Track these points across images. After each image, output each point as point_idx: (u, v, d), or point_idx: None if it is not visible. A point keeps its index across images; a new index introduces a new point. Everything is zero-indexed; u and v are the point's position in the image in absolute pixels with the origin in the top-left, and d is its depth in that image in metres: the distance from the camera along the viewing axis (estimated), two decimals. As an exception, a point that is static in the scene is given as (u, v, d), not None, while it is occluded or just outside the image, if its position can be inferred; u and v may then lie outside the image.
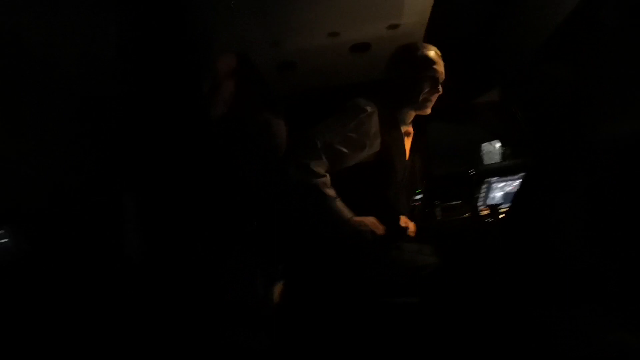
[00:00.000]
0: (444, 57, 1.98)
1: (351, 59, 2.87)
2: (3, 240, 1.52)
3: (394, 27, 2.60)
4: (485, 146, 3.42)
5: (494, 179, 2.84)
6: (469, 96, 2.82)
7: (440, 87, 1.94)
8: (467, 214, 2.38)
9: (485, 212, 2.09)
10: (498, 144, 3.33)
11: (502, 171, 2.83)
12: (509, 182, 2.77)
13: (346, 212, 1.72)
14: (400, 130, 1.97)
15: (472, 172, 2.50)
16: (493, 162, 3.32)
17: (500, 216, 1.86)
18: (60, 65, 1.59)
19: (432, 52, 1.95)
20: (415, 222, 1.98)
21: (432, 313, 1.49)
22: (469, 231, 1.76)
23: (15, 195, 1.51)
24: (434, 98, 1.95)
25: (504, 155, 3.29)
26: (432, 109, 1.99)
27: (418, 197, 3.40)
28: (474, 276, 1.38)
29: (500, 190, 2.79)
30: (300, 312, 1.34)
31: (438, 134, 3.09)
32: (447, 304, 1.46)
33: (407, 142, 2.04)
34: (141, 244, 1.42)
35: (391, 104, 1.93)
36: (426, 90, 1.91)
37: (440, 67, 1.94)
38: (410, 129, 2.06)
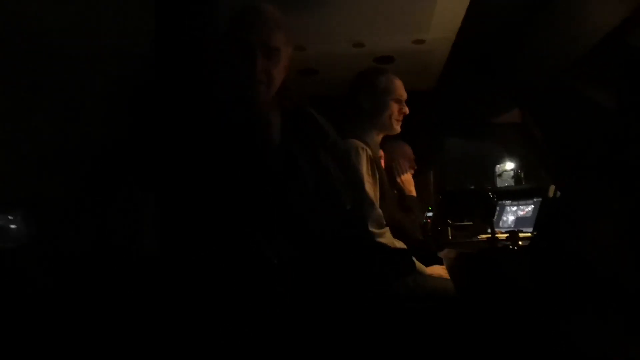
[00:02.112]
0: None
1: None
2: (12, 226, 1.50)
3: (420, 42, 2.60)
4: (499, 167, 3.40)
5: (507, 201, 2.81)
6: (490, 115, 2.80)
7: (406, 106, 2.00)
8: (480, 236, 2.33)
9: (503, 237, 2.02)
10: (512, 165, 3.31)
11: (516, 194, 2.80)
12: (522, 206, 2.73)
13: None
14: (377, 155, 1.98)
15: (490, 191, 2.46)
16: (506, 184, 3.30)
17: (520, 242, 1.77)
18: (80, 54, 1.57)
19: (391, 74, 2.01)
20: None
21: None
22: (491, 256, 1.69)
23: (26, 182, 1.48)
24: (402, 117, 2.00)
25: (517, 178, 3.26)
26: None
27: (429, 214, 3.37)
28: (498, 303, 1.34)
29: (512, 214, 2.75)
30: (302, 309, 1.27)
31: (455, 151, 3.07)
32: (469, 328, 1.42)
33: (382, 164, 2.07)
34: (153, 241, 1.38)
35: (360, 131, 1.95)
36: (395, 111, 1.96)
37: (402, 87, 2.01)
38: (382, 152, 2.10)
